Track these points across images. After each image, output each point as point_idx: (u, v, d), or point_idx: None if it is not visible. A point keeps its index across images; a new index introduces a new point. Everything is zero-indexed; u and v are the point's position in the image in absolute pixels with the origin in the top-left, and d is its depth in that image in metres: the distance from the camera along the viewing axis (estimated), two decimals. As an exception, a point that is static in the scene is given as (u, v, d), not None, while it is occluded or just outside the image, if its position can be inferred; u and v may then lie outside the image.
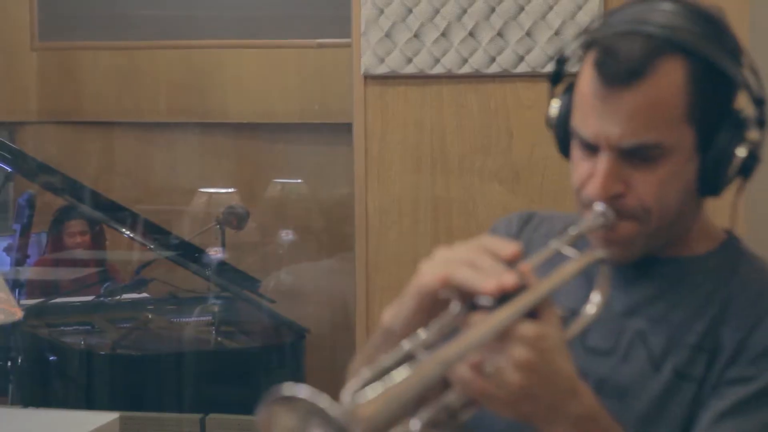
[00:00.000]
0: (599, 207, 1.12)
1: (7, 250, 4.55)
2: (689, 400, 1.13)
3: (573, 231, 1.12)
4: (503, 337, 0.95)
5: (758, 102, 1.15)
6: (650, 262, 1.19)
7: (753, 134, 1.14)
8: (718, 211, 1.26)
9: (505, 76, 2.61)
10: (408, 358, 0.92)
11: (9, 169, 4.20)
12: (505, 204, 2.62)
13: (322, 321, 4.37)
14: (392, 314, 1.07)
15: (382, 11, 2.64)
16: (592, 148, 1.13)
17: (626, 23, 1.12)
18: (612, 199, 1.12)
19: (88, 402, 3.64)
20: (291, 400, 0.79)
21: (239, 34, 4.93)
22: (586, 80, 1.13)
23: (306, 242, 4.88)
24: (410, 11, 2.64)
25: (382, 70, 2.65)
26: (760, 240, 2.58)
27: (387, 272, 2.66)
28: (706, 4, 1.15)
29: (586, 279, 1.15)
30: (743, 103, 1.16)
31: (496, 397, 0.96)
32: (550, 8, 2.58)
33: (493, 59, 2.61)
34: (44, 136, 5.17)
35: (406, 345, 0.93)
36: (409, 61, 2.65)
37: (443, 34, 2.63)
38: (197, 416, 3.28)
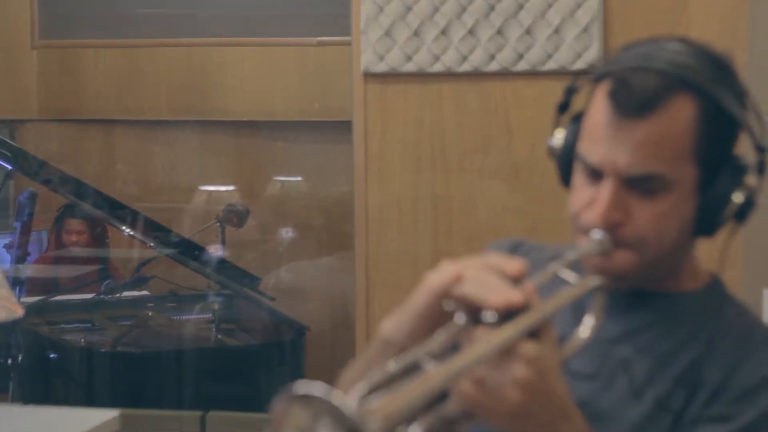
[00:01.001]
0: (597, 234, 1.15)
1: (8, 247, 4.55)
2: (665, 430, 1.15)
3: (571, 255, 1.14)
4: (505, 354, 0.97)
5: (760, 149, 1.18)
6: (640, 294, 1.22)
7: (751, 180, 1.17)
8: (708, 251, 1.28)
9: (504, 74, 2.62)
10: (414, 366, 0.93)
11: (10, 167, 4.20)
12: (505, 202, 2.62)
13: (321, 319, 4.37)
14: (393, 324, 1.08)
15: (381, 9, 2.65)
16: (596, 175, 1.16)
17: (640, 58, 1.15)
18: (611, 227, 1.14)
19: (89, 399, 3.65)
20: (307, 398, 0.80)
21: (239, 33, 4.93)
22: (599, 109, 1.16)
23: (306, 240, 4.88)
24: (410, 9, 2.64)
25: (381, 68, 2.66)
26: (757, 248, 2.59)
27: (387, 270, 2.66)
28: (716, 47, 1.19)
29: (571, 304, 1.17)
30: (744, 148, 1.19)
31: (493, 411, 0.98)
32: (550, 6, 2.58)
33: (492, 57, 2.62)
34: (45, 134, 5.17)
35: (413, 353, 0.94)
36: (409, 59, 2.65)
37: (443, 32, 2.63)
38: (197, 413, 3.29)
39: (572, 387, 1.07)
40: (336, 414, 0.78)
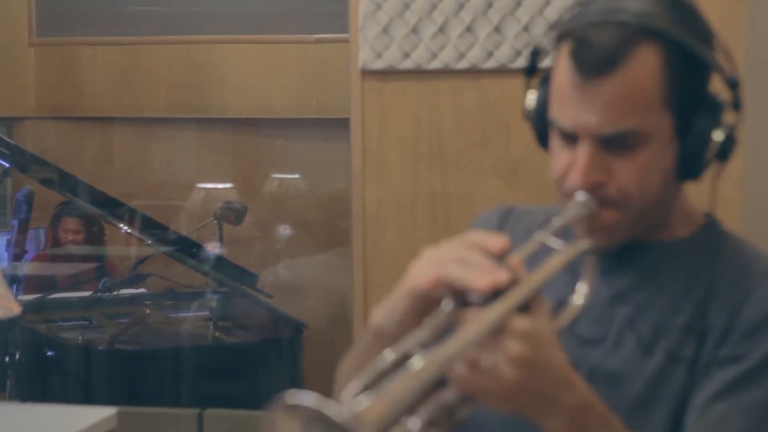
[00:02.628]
0: (581, 196, 1.13)
1: (5, 245, 4.55)
2: (682, 382, 1.14)
3: (557, 222, 1.13)
4: (497, 332, 0.95)
5: (732, 84, 1.17)
6: (633, 248, 1.20)
7: (729, 117, 1.16)
8: (698, 194, 1.26)
9: (502, 71, 2.62)
10: (405, 358, 0.92)
11: (7, 165, 4.19)
12: (503, 198, 2.61)
13: (319, 316, 4.37)
14: (383, 315, 1.07)
15: (379, 6, 2.64)
16: (571, 138, 1.14)
17: (598, 13, 1.13)
18: (593, 188, 1.13)
19: (86, 397, 3.64)
20: (296, 408, 0.79)
21: (237, 30, 4.93)
22: (563, 71, 1.14)
23: (304, 237, 4.88)
24: (408, 6, 2.64)
25: (379, 65, 2.65)
26: (761, 237, 2.59)
27: (385, 267, 2.66)
28: None
29: (568, 269, 1.15)
30: (718, 87, 1.17)
31: (492, 392, 0.96)
32: (547, 3, 2.58)
33: (490, 54, 2.61)
34: (42, 132, 5.17)
35: (403, 346, 0.93)
36: (407, 56, 2.65)
37: (441, 30, 2.63)
38: (195, 411, 3.28)
39: (581, 353, 1.07)
40: (327, 423, 0.77)
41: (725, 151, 1.16)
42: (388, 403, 0.83)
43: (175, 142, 5.12)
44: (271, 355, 3.91)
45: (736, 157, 2.65)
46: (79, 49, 5.07)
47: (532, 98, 1.23)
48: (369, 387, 0.87)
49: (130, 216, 4.26)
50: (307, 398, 0.78)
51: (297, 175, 5.02)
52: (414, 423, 0.92)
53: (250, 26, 4.91)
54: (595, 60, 1.10)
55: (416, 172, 2.67)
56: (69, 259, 4.48)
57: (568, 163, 1.15)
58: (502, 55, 2.61)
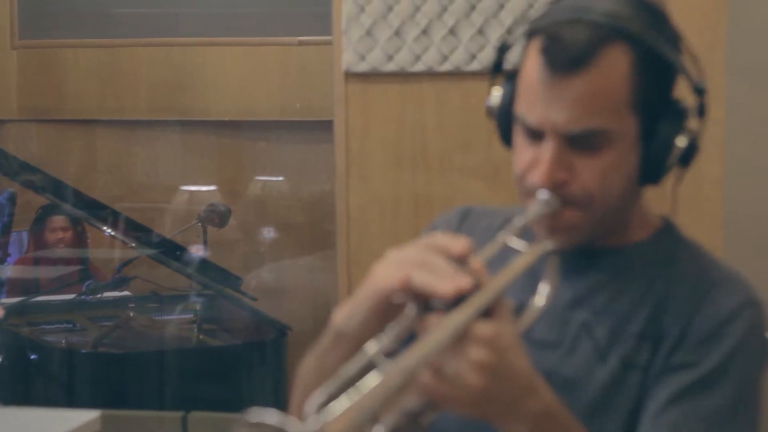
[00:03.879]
0: (543, 195, 1.12)
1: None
2: (635, 388, 1.13)
3: (519, 222, 1.12)
4: (460, 338, 0.94)
5: (698, 91, 1.16)
6: (591, 252, 1.20)
7: (693, 124, 1.15)
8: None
9: (485, 74, 2.61)
10: (369, 366, 0.91)
11: (-11, 168, 4.18)
12: (486, 200, 2.63)
13: (303, 318, 4.37)
14: (344, 316, 1.06)
15: (363, 9, 2.65)
16: (536, 135, 1.13)
17: (570, 11, 1.12)
18: (556, 187, 1.12)
19: (70, 400, 3.63)
20: (259, 426, 0.78)
21: (221, 32, 4.92)
22: (532, 67, 1.13)
23: (287, 240, 4.88)
24: (391, 9, 2.64)
25: (363, 67, 2.66)
26: (741, 237, 2.61)
27: (368, 269, 2.65)
28: None
29: (528, 270, 1.14)
30: (683, 92, 1.18)
31: (456, 399, 0.95)
32: (530, 6, 2.59)
33: (473, 57, 2.62)
34: (25, 135, 5.15)
35: (366, 352, 0.92)
36: (390, 58, 2.65)
37: (424, 32, 2.64)
38: (179, 414, 3.28)
39: (536, 357, 1.05)
40: None
41: (687, 157, 1.16)
42: (352, 415, 0.82)
43: (158, 145, 5.11)
44: (255, 358, 3.91)
45: (717, 157, 2.67)
46: (61, 51, 5.05)
47: (497, 95, 1.22)
48: (333, 397, 0.85)
49: (114, 219, 4.24)
50: (270, 416, 0.77)
51: (281, 178, 5.02)
52: (378, 430, 0.91)
53: (233, 28, 4.90)
54: (566, 57, 1.09)
55: (400, 174, 2.67)
56: (52, 262, 4.46)
57: (532, 160, 1.14)
58: (485, 58, 2.62)
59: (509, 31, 1.23)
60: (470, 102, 2.64)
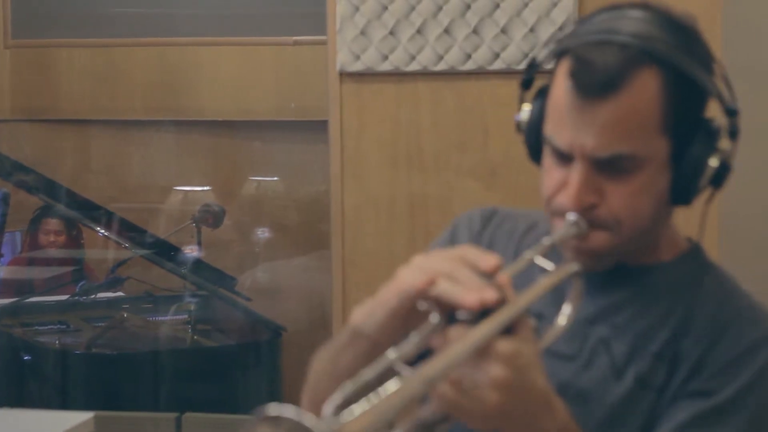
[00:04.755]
0: (572, 217, 1.12)
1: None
2: (648, 408, 1.13)
3: (546, 241, 1.12)
4: (481, 353, 0.94)
5: (730, 112, 1.16)
6: (617, 269, 1.19)
7: (725, 144, 1.14)
8: (687, 217, 1.27)
9: (480, 73, 2.62)
10: (388, 372, 0.90)
11: (-18, 168, 4.16)
12: (482, 201, 2.62)
13: (298, 319, 4.36)
14: (364, 315, 1.05)
15: (357, 8, 2.64)
16: (565, 157, 1.13)
17: (599, 32, 1.11)
18: (585, 210, 1.12)
19: (63, 402, 3.62)
20: (276, 419, 0.77)
21: (215, 32, 4.91)
22: (561, 89, 1.12)
23: (282, 240, 4.87)
24: (386, 8, 2.64)
25: (357, 67, 2.65)
26: (737, 241, 2.60)
27: (363, 269, 2.65)
28: (678, 11, 1.14)
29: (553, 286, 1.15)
30: (714, 112, 1.16)
31: (472, 413, 0.95)
32: (525, 5, 2.58)
33: (468, 56, 2.62)
34: (19, 135, 5.13)
35: (387, 357, 0.92)
36: (385, 58, 2.64)
37: (419, 31, 2.63)
38: (173, 415, 3.27)
39: (553, 368, 1.05)
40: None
41: (720, 177, 1.15)
42: (369, 419, 0.82)
43: (153, 145, 5.10)
44: (249, 359, 3.90)
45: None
46: (55, 51, 5.03)
47: (526, 111, 1.21)
48: (350, 399, 0.85)
49: (108, 219, 4.23)
50: (288, 410, 0.77)
51: (275, 178, 5.01)
52: None
53: (228, 28, 4.89)
54: (596, 82, 1.08)
55: (395, 174, 2.66)
56: (46, 262, 4.44)
57: (560, 181, 1.13)
58: (480, 57, 2.61)
59: (539, 49, 1.21)
60: (465, 102, 2.63)
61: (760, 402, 1.12)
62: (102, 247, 4.59)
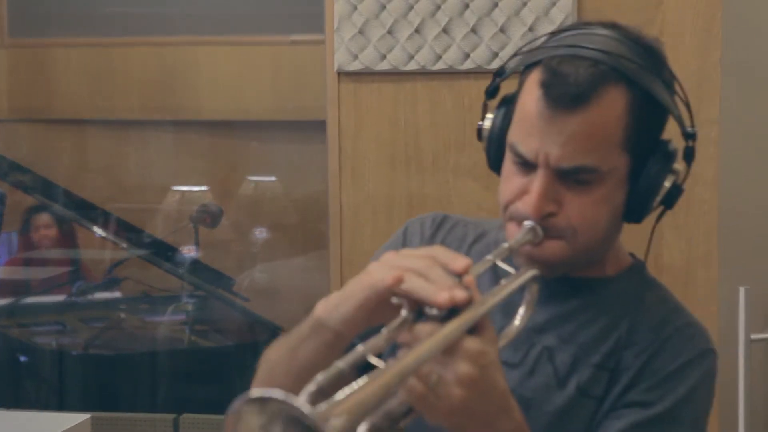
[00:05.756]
0: (529, 223, 1.15)
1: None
2: (588, 416, 1.17)
3: (505, 245, 1.15)
4: (449, 350, 0.96)
5: (688, 136, 1.19)
6: (565, 281, 1.23)
7: (680, 166, 1.18)
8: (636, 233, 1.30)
9: (479, 73, 2.61)
10: (361, 363, 0.91)
11: (-22, 168, 4.15)
12: (480, 200, 2.61)
13: (296, 319, 4.33)
14: (329, 307, 1.07)
15: (355, 8, 2.63)
16: (528, 165, 1.15)
17: (569, 46, 1.14)
18: (543, 218, 1.15)
19: (60, 403, 3.61)
20: (263, 401, 0.78)
21: (211, 32, 4.90)
22: (531, 99, 1.14)
23: (280, 240, 4.86)
24: (384, 7, 2.63)
25: (355, 66, 2.64)
26: (735, 238, 2.60)
27: (361, 270, 2.64)
28: (645, 34, 1.18)
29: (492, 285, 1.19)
30: (671, 134, 1.21)
31: (436, 408, 0.97)
32: (524, 4, 2.57)
33: (467, 55, 2.61)
34: (15, 135, 5.11)
35: (359, 350, 0.93)
36: (383, 57, 2.63)
37: (417, 31, 2.62)
38: (171, 416, 3.26)
39: None
40: (294, 419, 0.76)
41: (671, 198, 1.19)
42: (353, 403, 0.83)
43: (150, 145, 5.09)
44: (247, 359, 3.89)
45: (712, 158, 2.67)
46: (51, 50, 5.02)
47: (489, 119, 1.24)
48: (323, 390, 0.86)
49: (105, 219, 4.22)
50: (275, 392, 0.78)
51: (273, 178, 5.00)
52: (361, 429, 0.92)
53: (225, 27, 4.88)
54: (567, 94, 1.11)
55: (393, 174, 2.66)
56: (42, 262, 4.43)
57: (521, 188, 1.17)
58: (478, 57, 2.60)
59: (507, 60, 1.25)
60: (464, 101, 2.62)
61: (694, 415, 1.18)
62: (99, 247, 4.58)
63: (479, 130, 1.25)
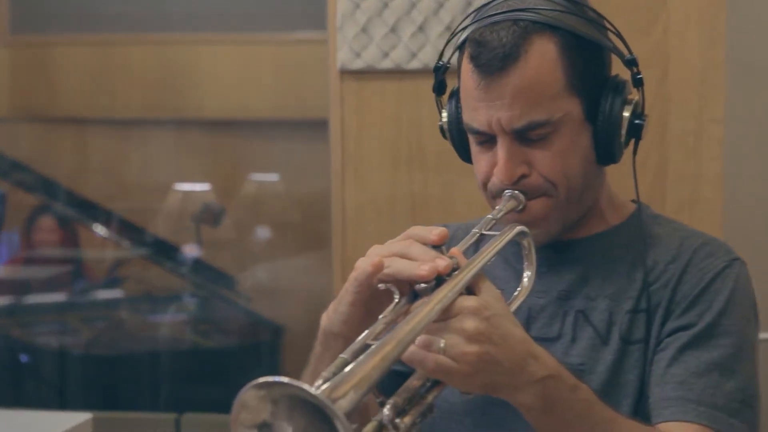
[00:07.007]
0: (508, 192, 1.18)
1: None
2: (640, 362, 1.19)
3: (490, 216, 1.17)
4: (446, 314, 0.97)
5: (629, 63, 1.21)
6: (572, 243, 1.26)
7: (633, 94, 1.21)
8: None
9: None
10: (364, 348, 0.92)
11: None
12: (483, 200, 2.60)
13: (298, 319, 4.35)
14: (330, 315, 1.10)
15: (358, 6, 2.62)
16: (488, 139, 1.19)
17: (491, 16, 1.18)
18: (517, 182, 1.18)
19: (62, 402, 3.61)
20: (270, 385, 0.79)
21: (213, 30, 4.90)
22: (467, 76, 1.18)
23: (282, 239, 4.86)
24: (386, 5, 2.62)
25: (358, 65, 2.63)
26: (741, 236, 2.59)
27: (364, 269, 2.64)
28: None
29: (506, 263, 1.25)
30: (618, 69, 1.23)
31: (456, 371, 0.97)
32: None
33: (470, 54, 2.60)
34: (16, 134, 5.12)
35: (361, 339, 0.94)
36: (386, 55, 2.63)
37: (420, 29, 2.61)
38: (173, 416, 3.26)
39: None
40: (300, 400, 0.78)
41: (636, 127, 1.21)
42: (355, 380, 0.83)
43: (152, 143, 5.09)
44: (249, 359, 3.89)
45: (717, 156, 2.65)
46: (53, 48, 5.02)
47: (445, 113, 1.28)
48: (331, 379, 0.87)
49: (107, 218, 4.22)
50: (281, 377, 0.79)
51: (275, 177, 5.00)
52: (387, 411, 0.92)
53: (227, 25, 4.88)
54: (494, 58, 1.14)
55: (396, 173, 2.65)
56: (44, 262, 4.43)
57: (490, 164, 1.20)
58: (481, 55, 2.59)
59: (440, 54, 1.29)
60: (467, 100, 2.61)
61: (737, 320, 1.19)
62: (101, 246, 4.58)
63: (441, 129, 1.30)
